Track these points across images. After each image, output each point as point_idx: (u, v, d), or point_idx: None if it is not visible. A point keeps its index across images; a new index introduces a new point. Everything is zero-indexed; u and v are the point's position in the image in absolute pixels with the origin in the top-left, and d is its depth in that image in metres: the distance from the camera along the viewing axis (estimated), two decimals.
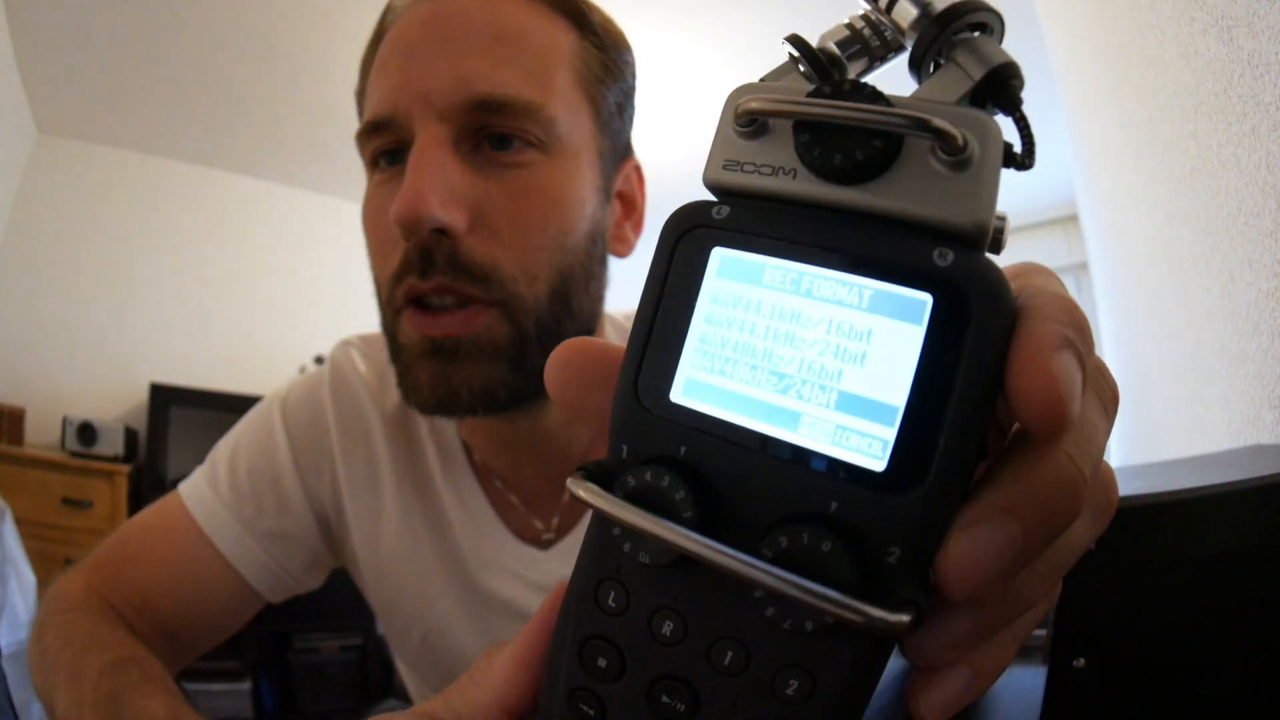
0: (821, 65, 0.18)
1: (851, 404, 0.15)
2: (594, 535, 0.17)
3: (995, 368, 0.14)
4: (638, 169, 0.59)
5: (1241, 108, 0.41)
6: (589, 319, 0.53)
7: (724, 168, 0.16)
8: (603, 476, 0.16)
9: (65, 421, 2.31)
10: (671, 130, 2.68)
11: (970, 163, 0.14)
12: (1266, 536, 0.25)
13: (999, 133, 0.15)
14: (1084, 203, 1.84)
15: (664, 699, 0.16)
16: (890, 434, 0.14)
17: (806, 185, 0.15)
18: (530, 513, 0.59)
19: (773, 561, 0.14)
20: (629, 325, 0.62)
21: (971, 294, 0.14)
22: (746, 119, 0.16)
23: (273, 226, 2.95)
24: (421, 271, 0.46)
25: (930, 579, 0.14)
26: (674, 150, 2.81)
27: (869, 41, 0.19)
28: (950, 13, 0.16)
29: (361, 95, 0.54)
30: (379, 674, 2.47)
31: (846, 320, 0.15)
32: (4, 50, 2.04)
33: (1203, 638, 0.26)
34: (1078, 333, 0.14)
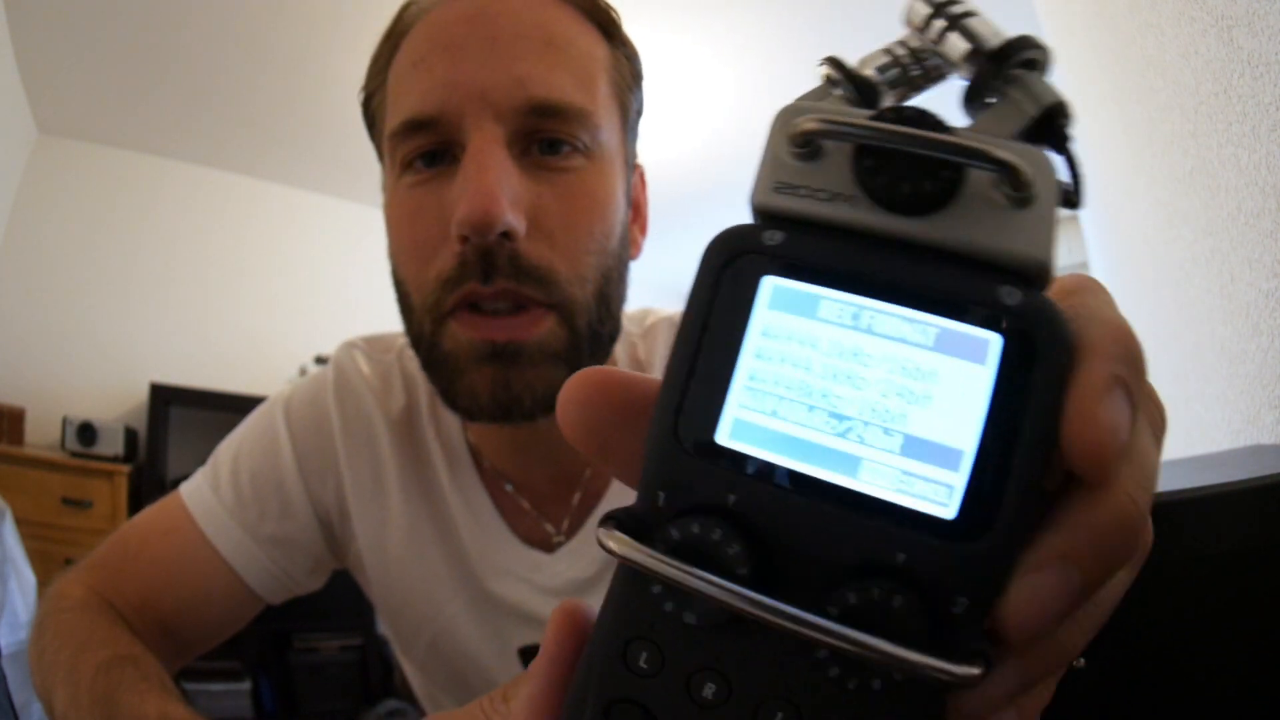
0: (868, 89, 0.17)
1: (917, 448, 0.14)
2: (623, 590, 0.16)
3: (1059, 413, 0.13)
4: (641, 173, 0.59)
5: (1241, 108, 0.41)
6: (617, 321, 0.53)
7: (775, 190, 0.15)
8: (636, 526, 0.15)
9: (65, 421, 2.31)
10: (671, 130, 2.68)
11: (1034, 199, 0.14)
12: (1266, 536, 0.25)
13: (1055, 170, 0.14)
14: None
15: None
16: (958, 480, 0.14)
17: (866, 214, 0.15)
18: (541, 516, 0.59)
19: (840, 619, 0.13)
20: (644, 322, 0.62)
21: (1040, 335, 0.14)
22: (803, 140, 0.15)
23: (273, 226, 2.95)
24: (484, 275, 0.45)
25: (986, 627, 0.14)
26: (672, 150, 2.81)
27: (909, 69, 0.18)
28: (1008, 49, 0.16)
29: (373, 96, 0.53)
30: (379, 674, 2.47)
31: (911, 359, 0.14)
32: (4, 50, 2.04)
33: (1203, 637, 0.26)
34: (1129, 365, 0.14)
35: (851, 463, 0.14)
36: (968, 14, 0.17)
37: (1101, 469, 0.13)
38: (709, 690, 0.15)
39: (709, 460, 0.15)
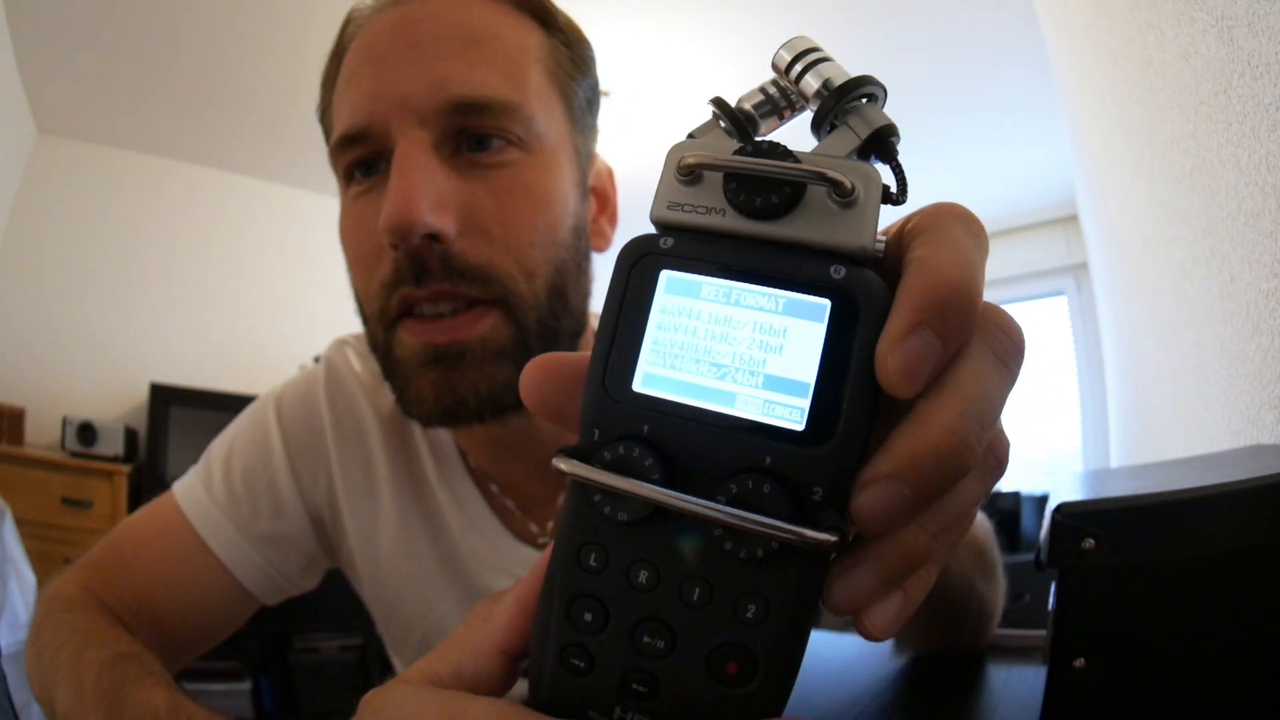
0: (739, 122, 0.22)
1: (774, 383, 0.19)
2: (573, 504, 0.20)
3: (865, 353, 0.18)
4: (606, 166, 0.60)
5: (1241, 108, 0.41)
6: (580, 314, 0.53)
7: (668, 208, 0.20)
8: (579, 455, 0.19)
9: (65, 421, 2.31)
10: (671, 130, 2.67)
11: (856, 203, 0.19)
12: (1266, 536, 0.25)
13: (878, 179, 0.19)
14: (1084, 203, 1.84)
15: (645, 639, 0.19)
16: (805, 403, 0.18)
17: (733, 221, 0.20)
18: (526, 517, 0.59)
19: (727, 504, 0.18)
20: None
21: (859, 298, 0.18)
22: (686, 170, 0.20)
23: (273, 226, 2.95)
24: (415, 279, 0.45)
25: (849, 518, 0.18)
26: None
27: (778, 103, 0.23)
28: (845, 87, 0.21)
29: (326, 112, 0.53)
30: (379, 674, 2.47)
31: (766, 322, 0.19)
32: (4, 50, 2.04)
33: (1203, 638, 0.26)
34: (937, 310, 0.17)
35: (728, 397, 0.19)
36: (821, 60, 0.22)
37: (904, 397, 0.17)
38: (643, 577, 0.19)
39: (628, 403, 0.19)
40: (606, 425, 0.19)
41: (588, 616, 0.19)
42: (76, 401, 2.43)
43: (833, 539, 0.17)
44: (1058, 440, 3.09)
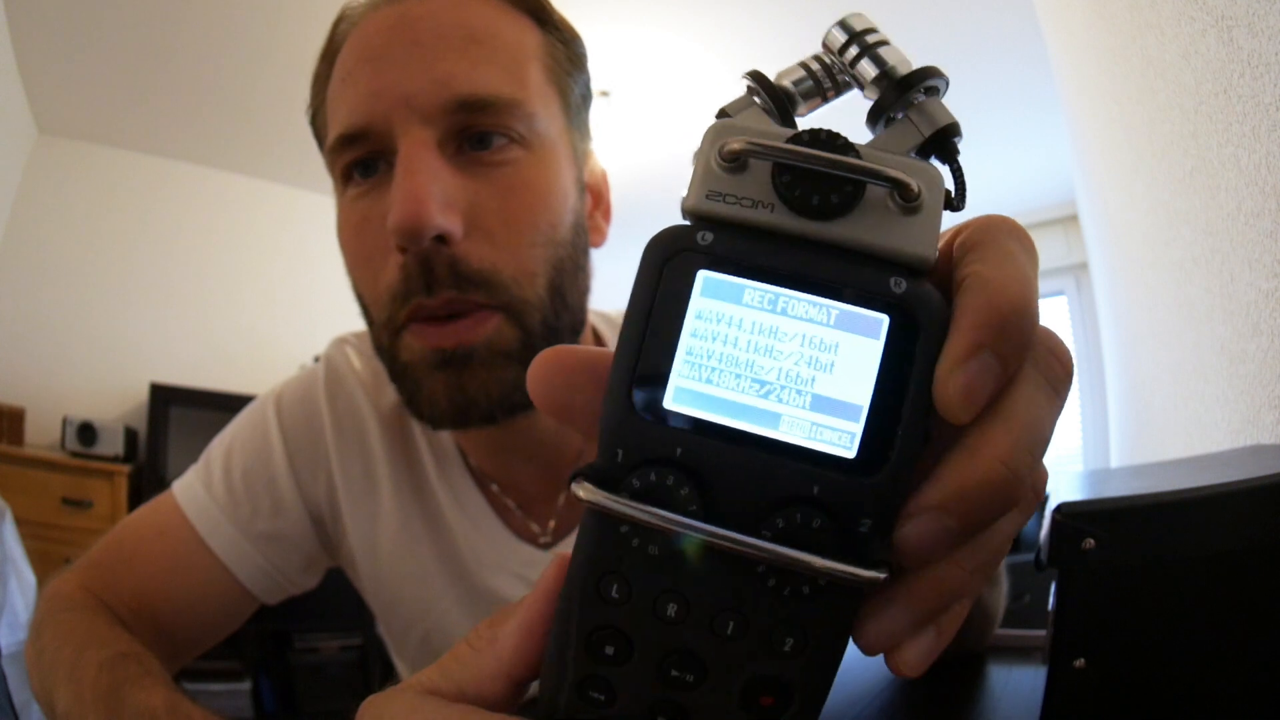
0: (780, 101, 0.20)
1: (823, 404, 0.17)
2: (593, 531, 0.18)
3: (925, 377, 0.17)
4: (598, 163, 0.60)
5: (1241, 108, 0.41)
6: (579, 310, 0.53)
7: (707, 197, 0.18)
8: (600, 479, 0.17)
9: (65, 421, 2.31)
10: (673, 130, 2.67)
11: (920, 208, 0.17)
12: (1266, 536, 0.25)
13: (942, 182, 0.18)
14: (1084, 203, 1.84)
15: (673, 672, 0.18)
16: (857, 429, 0.17)
17: (782, 218, 0.17)
18: (527, 517, 0.59)
19: (773, 540, 0.16)
20: (619, 322, 0.63)
21: (921, 316, 0.17)
22: (731, 156, 0.18)
23: (273, 226, 2.95)
24: (426, 288, 0.45)
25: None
26: (677, 150, 2.81)
27: (823, 83, 0.21)
28: (910, 79, 0.19)
29: (319, 113, 0.53)
30: (379, 674, 2.47)
31: (817, 335, 0.17)
32: (4, 50, 2.04)
33: (1203, 638, 0.26)
34: (997, 332, 0.16)
35: (772, 418, 0.17)
36: (881, 43, 0.20)
37: (959, 423, 0.16)
38: (672, 610, 0.18)
39: (659, 421, 0.17)
40: (633, 446, 0.17)
41: (610, 650, 0.18)
42: (76, 401, 2.43)
43: (883, 575, 0.16)
44: (1058, 440, 3.09)
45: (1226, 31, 0.41)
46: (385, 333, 0.49)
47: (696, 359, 0.17)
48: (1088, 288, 2.99)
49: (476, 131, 0.47)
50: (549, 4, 0.53)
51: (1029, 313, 0.17)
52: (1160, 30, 0.56)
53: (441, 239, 0.44)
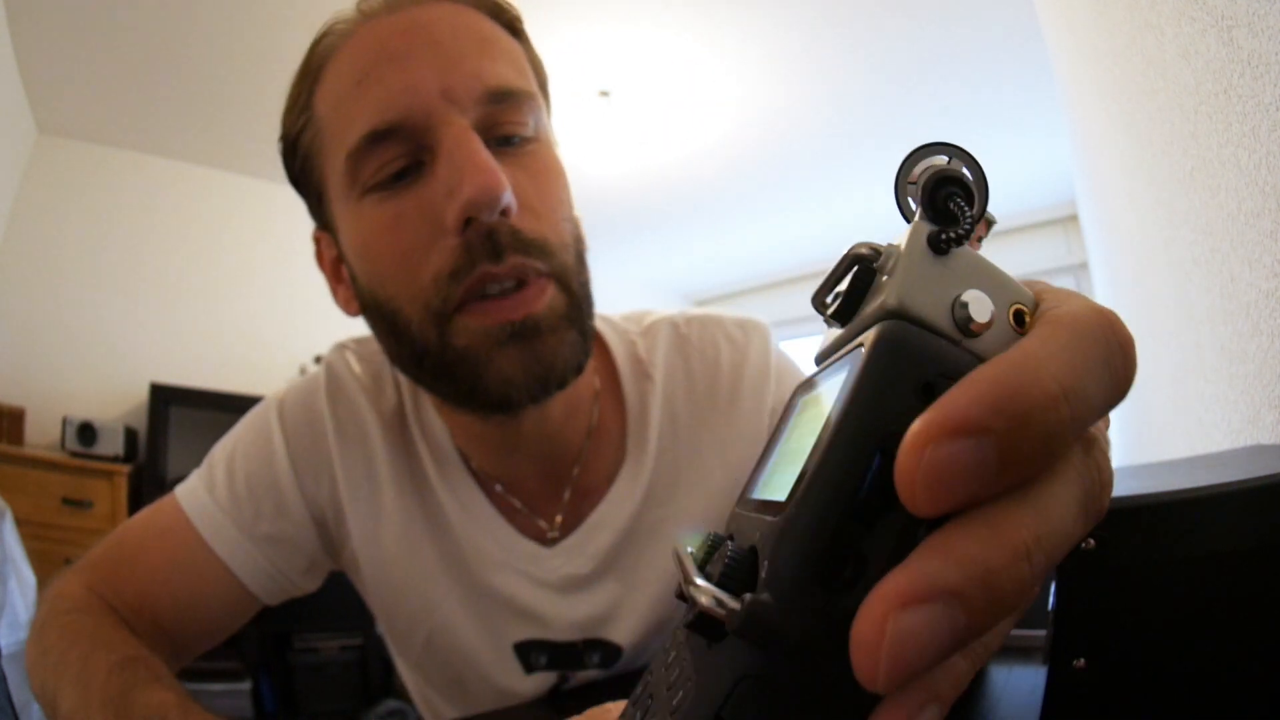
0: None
1: (795, 451, 0.17)
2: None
3: (853, 416, 0.15)
4: None
5: (1241, 108, 0.41)
6: (589, 277, 0.56)
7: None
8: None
9: (65, 421, 2.31)
10: (671, 130, 2.67)
11: (885, 268, 0.17)
12: (1266, 536, 0.25)
13: (917, 230, 0.17)
14: (1084, 203, 1.84)
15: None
16: (797, 469, 0.16)
17: (829, 336, 0.20)
18: (533, 515, 0.59)
19: (709, 577, 0.16)
20: (643, 322, 0.66)
21: (868, 346, 0.15)
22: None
23: (274, 226, 2.95)
24: (494, 254, 0.46)
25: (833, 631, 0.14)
26: (677, 151, 2.81)
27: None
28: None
29: (300, 134, 0.53)
30: (379, 674, 2.47)
31: (822, 402, 0.17)
32: (4, 50, 2.04)
33: (1203, 638, 0.26)
34: (1009, 418, 0.13)
35: (781, 486, 0.17)
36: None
37: (913, 511, 0.13)
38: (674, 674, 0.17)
39: (736, 509, 0.19)
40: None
41: None
42: (76, 401, 2.43)
43: (723, 611, 0.14)
44: None
45: (1226, 31, 0.41)
46: (432, 323, 0.48)
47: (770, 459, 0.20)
48: (1088, 288, 2.99)
49: (500, 132, 0.49)
50: (520, 18, 0.56)
51: (1067, 418, 0.13)
52: (1160, 30, 0.56)
53: (503, 212, 0.47)
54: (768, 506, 0.16)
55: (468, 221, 0.46)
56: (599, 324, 0.62)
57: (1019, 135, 2.68)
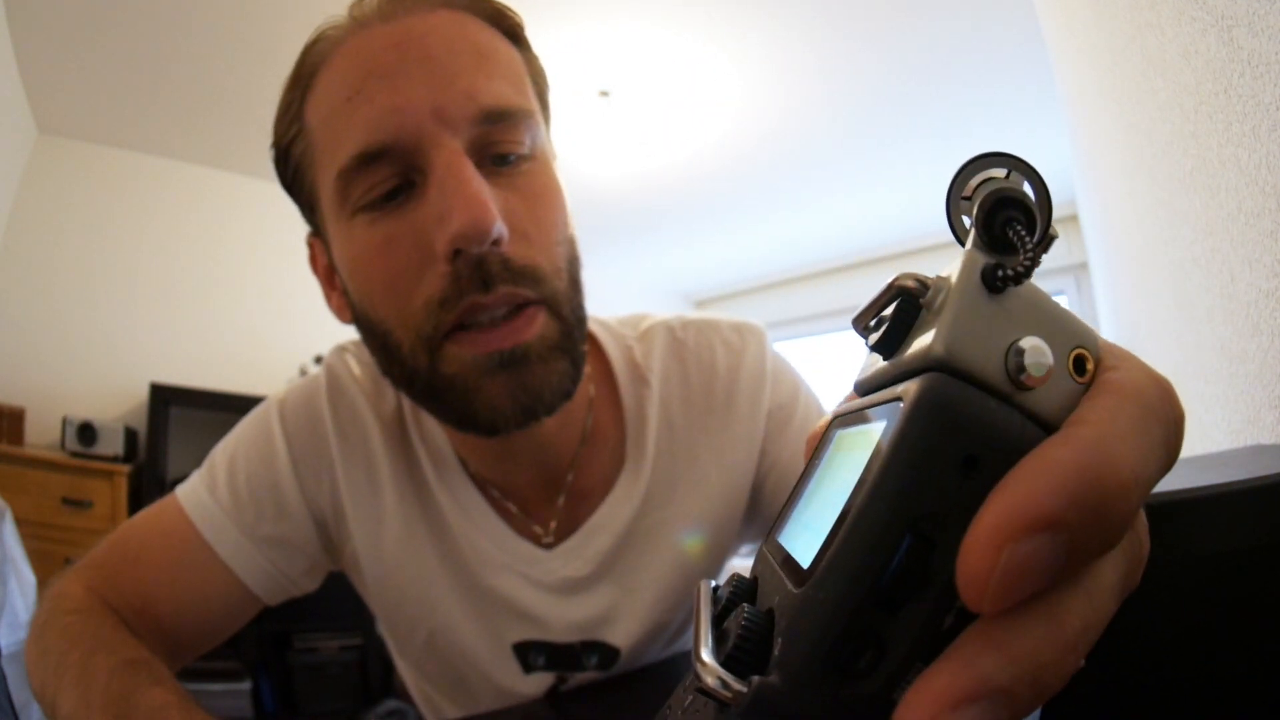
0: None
1: (820, 514, 0.16)
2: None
3: (886, 491, 0.14)
4: None
5: (1241, 108, 0.41)
6: (584, 299, 0.55)
7: None
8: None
9: (65, 421, 2.31)
10: (671, 130, 2.67)
11: (932, 306, 0.16)
12: (1266, 536, 0.25)
13: (969, 264, 0.16)
14: (1084, 203, 1.84)
15: None
16: (824, 533, 0.15)
17: (871, 364, 0.19)
18: (528, 519, 0.59)
19: (717, 651, 0.15)
20: (639, 326, 0.66)
21: (904, 408, 0.14)
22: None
23: (273, 227, 2.95)
24: (483, 285, 0.45)
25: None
26: (677, 151, 2.81)
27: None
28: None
29: (291, 145, 0.52)
30: (379, 674, 2.47)
31: (858, 451, 0.16)
32: (4, 50, 2.04)
33: (1203, 638, 0.26)
34: (1083, 510, 0.12)
35: (808, 545, 0.16)
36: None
37: (978, 610, 0.12)
38: None
39: (762, 549, 0.19)
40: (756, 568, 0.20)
41: None
42: (76, 401, 2.43)
43: (724, 694, 0.14)
44: None
45: (1226, 31, 0.41)
46: (422, 349, 0.48)
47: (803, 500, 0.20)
48: (1088, 288, 2.99)
49: (495, 150, 0.48)
50: (522, 24, 0.55)
51: (1136, 506, 0.13)
52: (1160, 30, 0.56)
53: (494, 242, 0.45)
54: (791, 567, 0.15)
55: (457, 252, 0.45)
56: (595, 328, 0.63)
57: (1019, 135, 2.68)
